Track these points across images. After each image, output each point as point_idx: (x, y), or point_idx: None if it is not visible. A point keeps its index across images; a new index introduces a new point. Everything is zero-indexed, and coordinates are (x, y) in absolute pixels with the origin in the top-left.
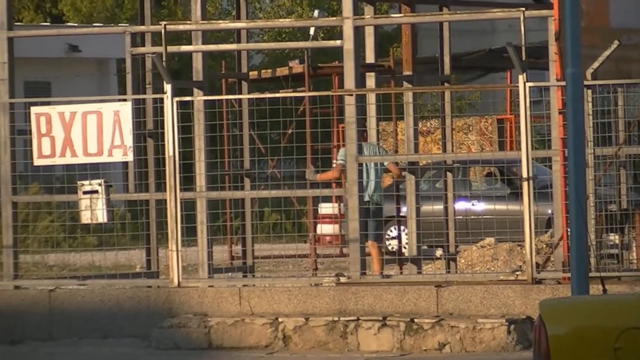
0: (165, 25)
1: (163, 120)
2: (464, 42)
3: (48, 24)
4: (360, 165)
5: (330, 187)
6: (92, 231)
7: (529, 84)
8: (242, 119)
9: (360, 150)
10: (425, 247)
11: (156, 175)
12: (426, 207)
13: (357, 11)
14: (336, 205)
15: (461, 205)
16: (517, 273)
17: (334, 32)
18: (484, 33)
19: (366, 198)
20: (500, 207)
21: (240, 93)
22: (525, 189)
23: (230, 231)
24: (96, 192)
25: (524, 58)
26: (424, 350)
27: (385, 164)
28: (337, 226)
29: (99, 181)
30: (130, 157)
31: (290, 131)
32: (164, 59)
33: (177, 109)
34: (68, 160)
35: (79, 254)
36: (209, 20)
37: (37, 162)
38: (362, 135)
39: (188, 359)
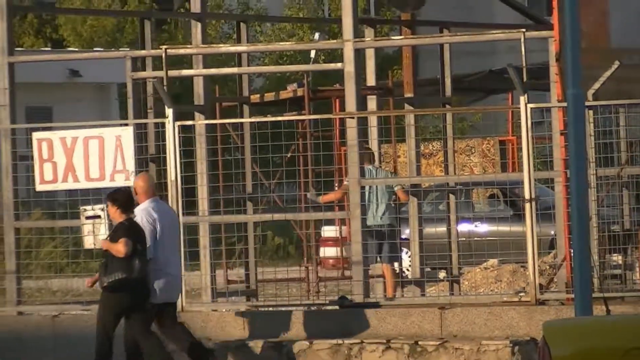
0: (166, 49)
1: (165, 144)
2: (464, 63)
3: (49, 49)
4: (363, 188)
5: (333, 209)
6: (95, 256)
7: (530, 105)
8: (244, 143)
9: (364, 174)
10: (429, 269)
11: None
12: (429, 229)
13: (358, 34)
14: (339, 228)
15: (464, 227)
16: (521, 294)
17: (335, 55)
18: (484, 54)
19: (370, 221)
20: (503, 228)
21: (242, 116)
22: (527, 210)
23: (227, 255)
24: (99, 217)
25: (525, 79)
26: None
27: (395, 188)
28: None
29: (101, 206)
30: (132, 182)
31: (290, 154)
32: (165, 83)
33: (179, 133)
34: (70, 185)
35: (82, 279)
36: (210, 44)
37: (39, 187)
38: (369, 158)
39: None
